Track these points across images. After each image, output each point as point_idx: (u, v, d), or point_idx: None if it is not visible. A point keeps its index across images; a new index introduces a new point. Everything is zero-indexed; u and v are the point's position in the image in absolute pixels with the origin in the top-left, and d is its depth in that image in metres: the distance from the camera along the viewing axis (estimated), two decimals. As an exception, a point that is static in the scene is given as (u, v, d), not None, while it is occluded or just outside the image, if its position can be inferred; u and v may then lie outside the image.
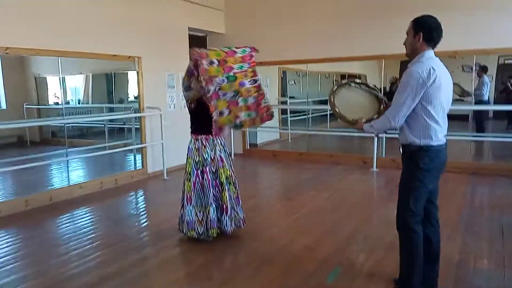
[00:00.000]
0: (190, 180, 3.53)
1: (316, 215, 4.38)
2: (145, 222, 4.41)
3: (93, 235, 3.89)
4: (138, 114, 6.22)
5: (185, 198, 3.56)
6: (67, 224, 4.29)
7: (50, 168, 6.33)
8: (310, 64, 7.68)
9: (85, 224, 4.27)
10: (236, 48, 3.37)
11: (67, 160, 5.29)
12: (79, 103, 8.63)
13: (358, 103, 2.80)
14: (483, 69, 6.93)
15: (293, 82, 10.11)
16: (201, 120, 3.54)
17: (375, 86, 2.88)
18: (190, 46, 7.16)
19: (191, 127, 3.65)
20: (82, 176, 6.25)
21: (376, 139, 6.51)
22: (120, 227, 4.15)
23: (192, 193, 3.51)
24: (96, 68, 7.18)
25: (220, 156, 3.55)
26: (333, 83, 11.02)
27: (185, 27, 6.98)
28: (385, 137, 6.66)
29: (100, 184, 5.62)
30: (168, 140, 6.35)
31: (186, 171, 3.60)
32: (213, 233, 3.53)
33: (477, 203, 4.71)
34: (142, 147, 6.29)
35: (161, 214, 4.60)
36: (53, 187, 5.58)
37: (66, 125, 6.00)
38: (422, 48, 2.42)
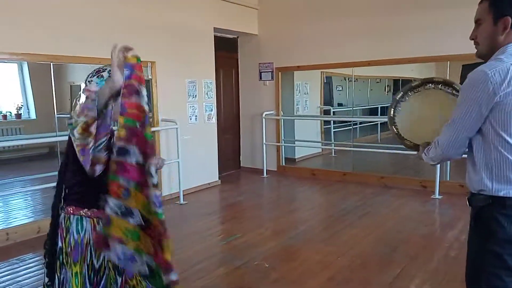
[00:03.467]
0: None
1: (359, 273, 3.22)
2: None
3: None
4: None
5: None
6: None
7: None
8: (357, 67, 6.51)
9: None
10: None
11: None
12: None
13: (433, 114, 1.91)
14: None
15: (340, 88, 9.10)
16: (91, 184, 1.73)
17: None
18: (217, 49, 6.30)
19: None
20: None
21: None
22: None
23: None
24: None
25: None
26: (385, 88, 9.73)
27: (210, 28, 6.09)
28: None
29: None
30: (187, 157, 5.49)
31: None
32: None
33: None
34: (156, 166, 5.43)
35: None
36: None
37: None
38: (507, 40, 1.47)
